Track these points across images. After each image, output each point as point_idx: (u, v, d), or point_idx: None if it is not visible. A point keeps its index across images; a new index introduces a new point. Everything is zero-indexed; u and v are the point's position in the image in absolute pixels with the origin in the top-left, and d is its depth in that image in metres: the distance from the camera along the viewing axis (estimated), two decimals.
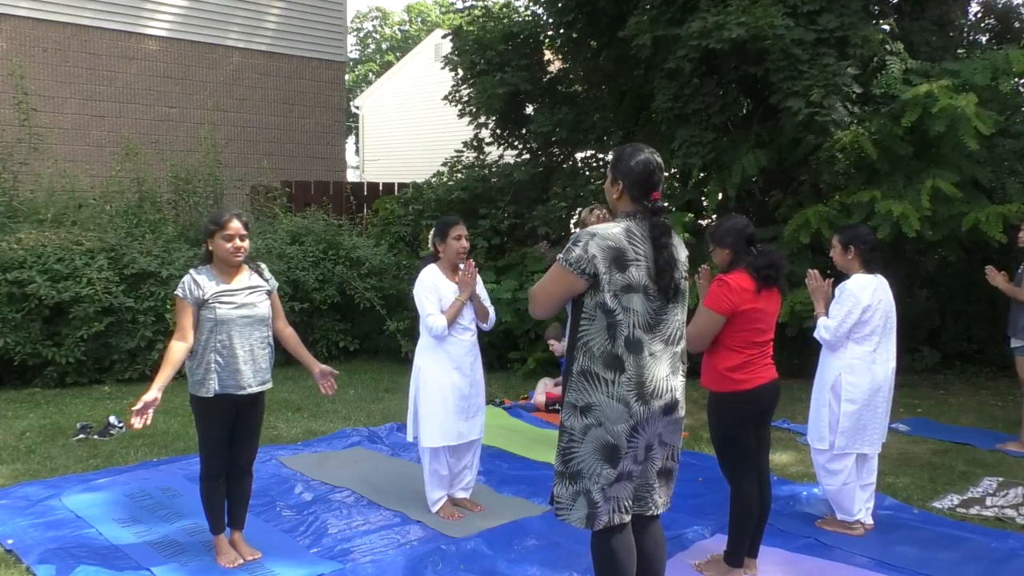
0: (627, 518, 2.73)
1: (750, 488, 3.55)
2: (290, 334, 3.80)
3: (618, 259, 2.59)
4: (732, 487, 3.60)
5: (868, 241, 4.12)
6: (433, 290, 4.15)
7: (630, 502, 2.74)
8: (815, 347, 4.28)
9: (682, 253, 2.79)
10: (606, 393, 2.62)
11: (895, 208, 6.37)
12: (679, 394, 2.75)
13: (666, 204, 2.74)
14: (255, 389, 3.61)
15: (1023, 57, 6.57)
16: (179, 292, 3.54)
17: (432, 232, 4.30)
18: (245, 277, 3.64)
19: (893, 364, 4.17)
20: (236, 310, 3.54)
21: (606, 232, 2.63)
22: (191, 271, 3.59)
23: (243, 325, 3.55)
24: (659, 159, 2.74)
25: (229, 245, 3.53)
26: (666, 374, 2.68)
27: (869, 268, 4.08)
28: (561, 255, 2.66)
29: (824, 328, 4.07)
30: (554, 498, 2.76)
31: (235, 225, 3.55)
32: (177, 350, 3.49)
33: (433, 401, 4.19)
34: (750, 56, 7.01)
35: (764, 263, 3.51)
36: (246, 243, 3.58)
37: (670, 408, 2.70)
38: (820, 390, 4.15)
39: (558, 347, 6.83)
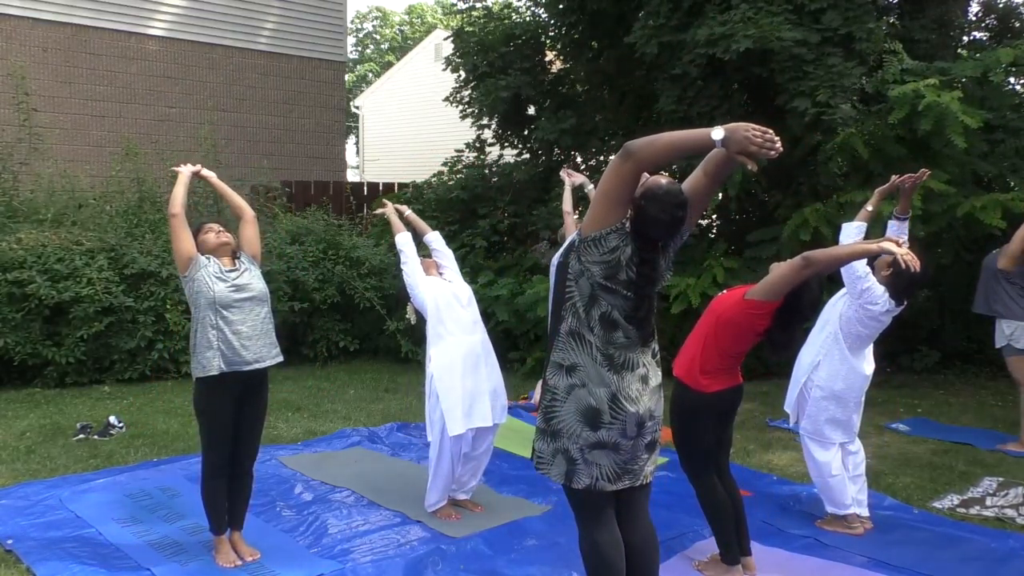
0: (609, 487, 2.71)
1: (711, 483, 3.62)
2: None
3: (613, 263, 2.59)
4: (695, 486, 3.67)
5: (905, 279, 3.93)
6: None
7: (616, 472, 2.70)
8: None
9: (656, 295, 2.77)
10: (588, 354, 2.64)
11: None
12: (651, 364, 2.74)
13: (651, 257, 2.65)
14: (264, 364, 3.65)
15: (1012, 53, 6.58)
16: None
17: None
18: (238, 262, 3.75)
19: (872, 367, 4.18)
20: (235, 292, 3.60)
21: (622, 253, 2.58)
22: None
23: (243, 302, 3.61)
24: (682, 215, 2.62)
25: (211, 235, 3.71)
26: (637, 352, 2.69)
27: (895, 298, 3.99)
28: (619, 230, 2.56)
29: (850, 235, 4.01)
30: (535, 453, 2.78)
31: (210, 224, 3.78)
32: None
33: (443, 395, 4.17)
34: (755, 57, 6.99)
35: (785, 341, 3.53)
36: (228, 235, 3.75)
37: (645, 378, 2.71)
38: (798, 367, 4.25)
39: None
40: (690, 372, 3.58)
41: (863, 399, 4.21)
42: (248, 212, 3.93)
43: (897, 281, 3.98)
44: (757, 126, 2.30)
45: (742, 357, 3.64)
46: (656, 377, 2.78)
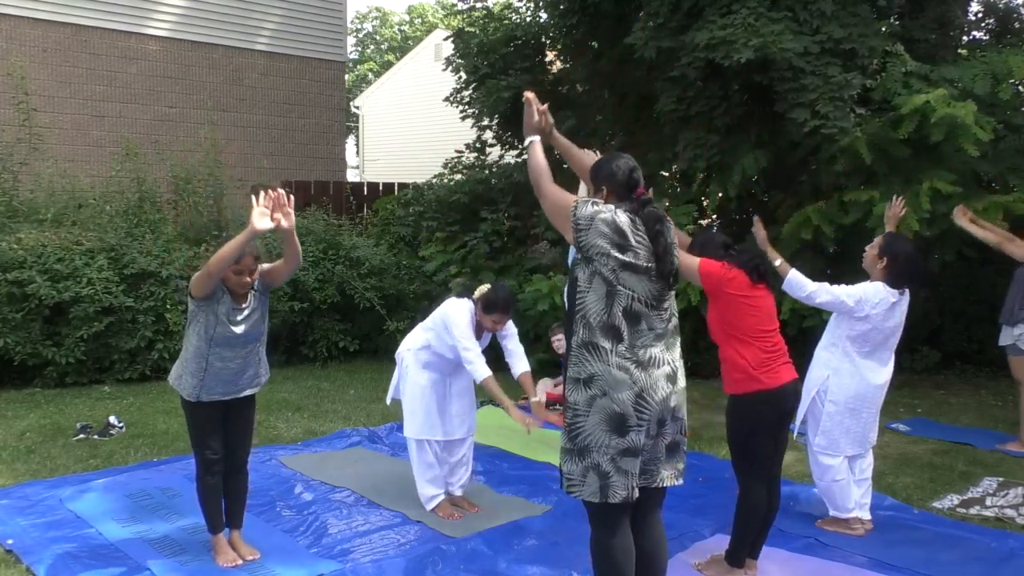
0: (637, 494, 2.71)
1: (759, 491, 3.55)
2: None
3: (619, 242, 2.66)
4: (741, 488, 3.60)
5: (902, 260, 3.95)
6: (472, 325, 4.15)
7: (639, 478, 2.72)
8: (815, 347, 4.27)
9: (674, 237, 2.85)
10: (607, 362, 2.63)
11: (880, 207, 6.37)
12: (678, 364, 2.78)
13: (651, 197, 2.85)
14: (244, 393, 3.65)
15: (1022, 60, 6.56)
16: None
17: (483, 298, 4.17)
18: (251, 297, 3.57)
19: (887, 375, 4.12)
20: (235, 337, 3.51)
21: (613, 214, 2.69)
22: None
23: (240, 342, 3.54)
24: (634, 162, 2.89)
25: (239, 278, 3.45)
26: (662, 347, 2.71)
27: (894, 284, 3.98)
28: (579, 202, 2.73)
29: (822, 286, 3.95)
30: (564, 476, 2.74)
31: (248, 262, 3.43)
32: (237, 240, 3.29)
33: (415, 396, 4.29)
34: (755, 65, 6.95)
35: (748, 257, 3.57)
36: (256, 273, 3.51)
37: (672, 378, 2.72)
38: (808, 381, 4.17)
39: (562, 345, 6.80)
40: (746, 376, 3.48)
41: (878, 410, 4.16)
42: (298, 260, 3.53)
43: (894, 268, 3.95)
44: (534, 102, 2.99)
45: (776, 335, 3.58)
46: (682, 379, 2.78)
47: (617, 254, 2.64)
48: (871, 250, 4.08)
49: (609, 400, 2.63)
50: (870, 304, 3.92)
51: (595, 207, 2.71)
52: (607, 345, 2.64)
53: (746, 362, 3.49)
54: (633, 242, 2.67)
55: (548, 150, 3.03)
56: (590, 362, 2.66)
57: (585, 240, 2.67)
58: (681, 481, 2.88)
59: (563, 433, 2.75)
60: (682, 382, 2.78)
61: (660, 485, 2.80)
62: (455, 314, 4.15)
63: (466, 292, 4.26)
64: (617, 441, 2.63)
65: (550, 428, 6.15)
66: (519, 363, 4.30)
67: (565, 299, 2.88)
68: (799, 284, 3.92)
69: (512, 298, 4.29)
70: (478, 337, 4.22)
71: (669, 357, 2.73)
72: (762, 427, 3.52)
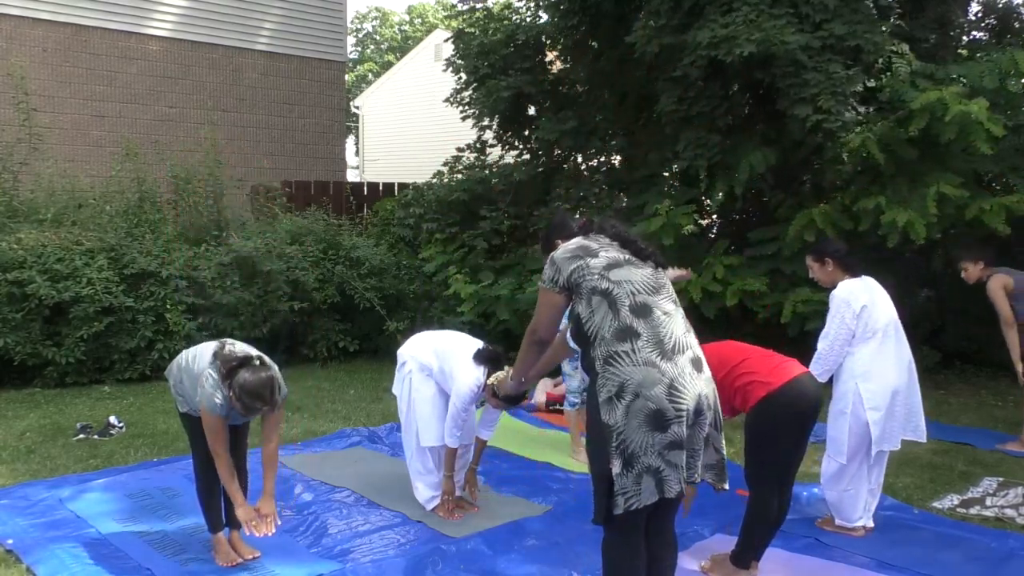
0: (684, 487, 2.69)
1: (770, 497, 3.54)
2: (271, 452, 3.62)
3: (587, 253, 2.79)
4: (752, 492, 3.59)
5: (840, 249, 4.18)
6: (474, 400, 4.18)
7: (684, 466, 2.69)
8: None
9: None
10: (631, 363, 2.62)
11: (900, 217, 6.36)
12: (699, 351, 2.78)
13: (591, 219, 3.10)
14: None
15: None
16: (210, 408, 3.36)
17: (500, 385, 4.00)
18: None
19: (908, 364, 4.09)
20: (235, 421, 3.54)
21: (565, 244, 2.90)
22: (219, 388, 3.37)
23: (235, 421, 3.56)
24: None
25: (246, 415, 3.41)
26: (683, 331, 2.73)
27: (853, 273, 4.09)
28: (539, 282, 2.90)
29: (820, 338, 4.06)
30: (619, 495, 2.61)
31: (255, 415, 3.42)
32: (230, 478, 3.44)
33: (424, 405, 4.29)
34: (756, 61, 6.95)
35: None
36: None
37: (697, 363, 2.71)
38: (838, 400, 4.10)
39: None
40: (756, 383, 3.43)
41: (913, 402, 4.13)
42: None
43: (839, 260, 4.10)
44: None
45: (757, 358, 3.58)
46: (707, 367, 2.77)
47: (593, 260, 2.75)
48: (812, 268, 4.24)
49: (644, 400, 2.59)
50: (854, 296, 3.99)
51: (549, 259, 2.85)
52: (627, 347, 2.62)
53: (751, 372, 3.46)
54: (598, 247, 2.81)
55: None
56: (616, 373, 2.62)
57: (565, 277, 2.77)
58: (716, 479, 2.83)
59: (616, 457, 2.63)
60: (707, 371, 2.77)
61: (695, 481, 2.76)
62: (463, 385, 4.10)
63: (487, 363, 4.13)
64: (660, 437, 2.59)
65: (550, 428, 6.15)
66: (487, 430, 4.37)
67: (574, 344, 2.90)
68: (822, 362, 4.04)
69: (523, 395, 4.20)
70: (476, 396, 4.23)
71: (690, 340, 2.73)
72: (779, 429, 3.46)
